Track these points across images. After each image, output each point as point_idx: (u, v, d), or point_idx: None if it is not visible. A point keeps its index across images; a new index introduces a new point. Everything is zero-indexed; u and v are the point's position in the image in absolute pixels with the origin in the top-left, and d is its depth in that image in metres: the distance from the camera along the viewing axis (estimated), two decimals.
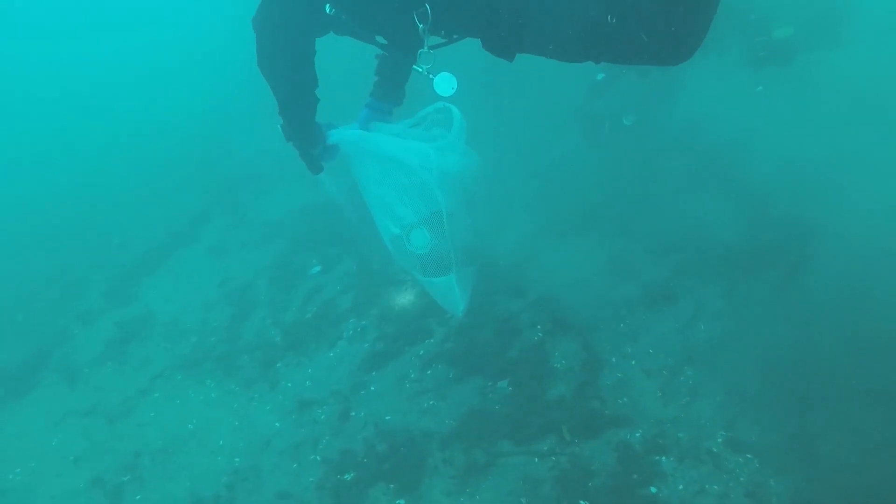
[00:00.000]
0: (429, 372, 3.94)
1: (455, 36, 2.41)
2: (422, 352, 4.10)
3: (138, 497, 3.63)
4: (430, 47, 2.33)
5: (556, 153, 5.25)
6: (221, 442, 3.81)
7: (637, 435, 3.24)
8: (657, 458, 3.11)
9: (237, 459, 3.69)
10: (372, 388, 3.94)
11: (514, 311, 4.20)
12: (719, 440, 3.13)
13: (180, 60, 9.65)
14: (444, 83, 2.36)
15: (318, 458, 3.58)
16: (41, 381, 4.78)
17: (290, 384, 4.15)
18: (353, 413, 3.80)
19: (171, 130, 8.46)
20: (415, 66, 2.43)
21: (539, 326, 4.04)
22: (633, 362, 3.64)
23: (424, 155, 2.49)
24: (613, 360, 3.68)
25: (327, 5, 2.39)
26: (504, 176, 5.35)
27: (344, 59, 2.58)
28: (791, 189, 3.91)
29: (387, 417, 3.70)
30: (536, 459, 3.24)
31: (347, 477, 3.42)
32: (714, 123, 4.65)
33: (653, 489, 2.98)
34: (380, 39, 2.55)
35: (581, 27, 1.95)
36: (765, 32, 4.71)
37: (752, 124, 4.38)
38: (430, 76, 2.38)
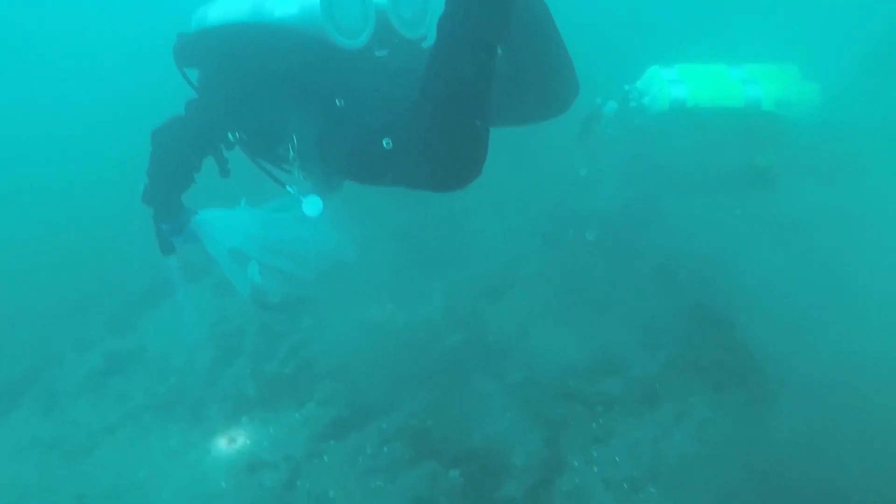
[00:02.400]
0: (385, 448, 3.76)
1: None
2: (385, 425, 3.93)
3: None
4: None
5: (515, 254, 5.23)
6: (164, 496, 3.71)
7: None
8: None
9: None
10: (325, 459, 3.78)
11: (486, 393, 4.00)
12: None
13: None
14: (311, 205, 2.51)
15: None
16: (22, 404, 4.83)
17: (248, 442, 4.04)
18: (300, 483, 3.65)
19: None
20: (287, 187, 2.56)
21: (509, 414, 3.82)
22: (596, 469, 3.37)
23: None
24: (576, 463, 3.42)
25: (230, 133, 2.54)
26: (509, 248, 5.21)
27: None
28: (767, 314, 3.74)
29: (330, 493, 3.53)
30: None
31: None
32: (691, 239, 4.61)
33: None
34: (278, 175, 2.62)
35: (359, 148, 2.08)
36: (747, 158, 4.73)
37: (732, 245, 4.33)
38: (300, 197, 2.52)
